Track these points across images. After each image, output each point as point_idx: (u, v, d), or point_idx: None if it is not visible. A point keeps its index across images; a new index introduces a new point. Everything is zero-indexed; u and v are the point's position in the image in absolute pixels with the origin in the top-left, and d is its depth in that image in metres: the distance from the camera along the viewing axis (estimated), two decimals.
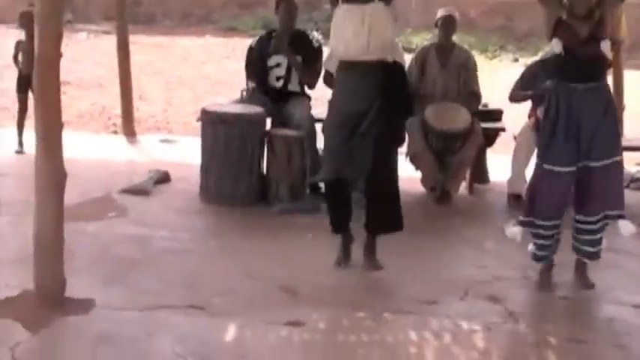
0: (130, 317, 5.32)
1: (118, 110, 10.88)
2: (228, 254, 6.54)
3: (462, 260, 6.73)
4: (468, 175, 8.42)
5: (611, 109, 5.92)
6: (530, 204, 6.00)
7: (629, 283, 6.20)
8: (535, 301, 6.02)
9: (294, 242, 6.84)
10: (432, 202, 8.10)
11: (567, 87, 5.84)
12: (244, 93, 8.44)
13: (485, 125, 8.35)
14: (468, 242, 7.11)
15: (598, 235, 5.99)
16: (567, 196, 5.94)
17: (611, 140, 5.88)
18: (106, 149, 9.67)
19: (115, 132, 10.79)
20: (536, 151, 7.96)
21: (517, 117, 9.03)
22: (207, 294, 5.72)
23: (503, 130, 8.63)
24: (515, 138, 8.34)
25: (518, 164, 8.15)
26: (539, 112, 8.01)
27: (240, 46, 17.14)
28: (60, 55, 5.29)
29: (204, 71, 14.93)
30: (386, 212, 6.22)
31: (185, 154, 9.17)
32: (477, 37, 17.84)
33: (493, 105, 8.82)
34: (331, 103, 6.31)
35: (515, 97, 8.26)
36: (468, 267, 6.52)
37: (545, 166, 5.91)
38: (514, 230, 6.13)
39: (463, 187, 8.38)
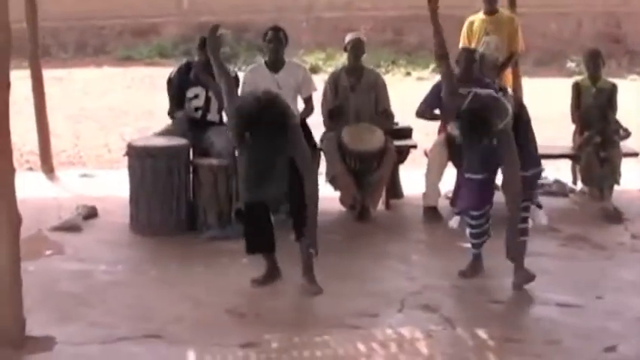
0: (93, 351, 5.56)
1: (29, 147, 10.95)
2: (169, 283, 6.78)
3: (392, 273, 7.05)
4: (384, 192, 8.79)
5: (523, 125, 6.50)
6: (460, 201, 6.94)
7: (550, 284, 6.62)
8: (467, 306, 6.39)
9: (230, 267, 7.10)
10: (352, 220, 8.44)
11: None
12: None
13: (398, 143, 8.72)
14: (394, 256, 7.46)
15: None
16: (484, 194, 6.69)
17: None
18: (26, 187, 9.63)
19: (31, 168, 10.75)
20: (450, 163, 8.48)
21: (425, 134, 9.46)
22: (160, 323, 5.97)
23: (414, 147, 9.00)
24: (426, 154, 8.75)
25: (431, 179, 8.54)
26: (450, 127, 8.47)
27: (139, 75, 17.33)
28: (7, 104, 5.52)
29: (107, 102, 14.97)
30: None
31: (106, 187, 9.33)
32: (369, 52, 18.20)
33: (398, 118, 9.15)
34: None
35: (423, 114, 8.70)
36: (399, 279, 6.88)
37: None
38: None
39: (380, 204, 8.71)
